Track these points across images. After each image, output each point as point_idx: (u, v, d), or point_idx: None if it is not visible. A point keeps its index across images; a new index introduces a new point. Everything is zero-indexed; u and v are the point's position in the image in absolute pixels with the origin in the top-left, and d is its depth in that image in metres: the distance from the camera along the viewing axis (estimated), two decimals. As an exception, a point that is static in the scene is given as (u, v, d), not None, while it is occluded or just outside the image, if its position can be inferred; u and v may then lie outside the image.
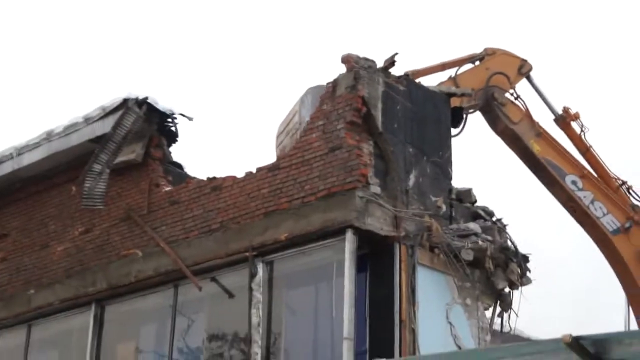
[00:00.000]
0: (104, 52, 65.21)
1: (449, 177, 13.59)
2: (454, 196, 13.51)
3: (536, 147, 14.88)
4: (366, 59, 13.14)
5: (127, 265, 14.53)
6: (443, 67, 14.80)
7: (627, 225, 14.70)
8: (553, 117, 15.44)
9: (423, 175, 13.15)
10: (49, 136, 15.92)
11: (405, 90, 13.37)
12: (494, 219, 13.59)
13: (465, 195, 13.72)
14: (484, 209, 13.69)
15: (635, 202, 15.08)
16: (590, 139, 15.33)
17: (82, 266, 15.29)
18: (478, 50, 15.15)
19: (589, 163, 15.19)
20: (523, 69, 15.27)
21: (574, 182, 14.84)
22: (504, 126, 14.85)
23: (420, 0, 61.23)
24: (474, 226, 13.21)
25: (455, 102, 14.21)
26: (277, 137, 14.58)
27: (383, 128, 12.81)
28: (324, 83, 13.63)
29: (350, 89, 12.82)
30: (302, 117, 13.79)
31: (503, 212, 13.88)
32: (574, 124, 15.36)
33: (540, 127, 15.06)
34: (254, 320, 12.80)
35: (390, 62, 13.41)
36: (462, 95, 14.34)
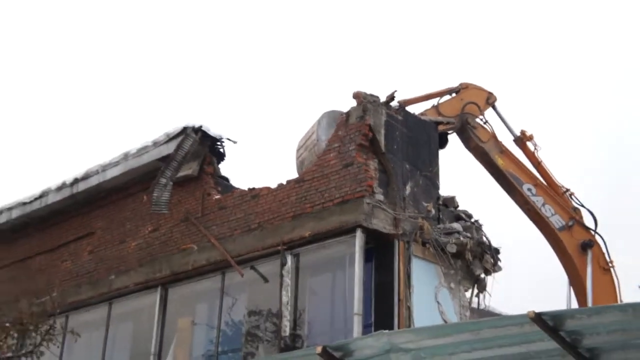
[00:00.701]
0: (165, 87, 65.93)
1: (437, 187, 13.42)
2: (441, 202, 13.35)
3: (500, 162, 14.59)
4: (372, 95, 12.99)
5: (186, 256, 14.35)
6: (428, 97, 14.51)
7: (570, 223, 14.43)
8: (512, 137, 15.11)
9: (416, 186, 12.96)
10: (125, 156, 15.85)
11: (402, 119, 13.22)
12: (472, 220, 13.47)
13: (450, 202, 13.57)
14: (465, 212, 13.53)
15: (576, 205, 14.77)
16: (541, 155, 15.08)
17: (151, 257, 15.13)
18: (455, 84, 14.84)
19: (540, 174, 14.91)
20: (490, 100, 14.97)
21: (529, 189, 14.56)
22: (475, 144, 14.55)
23: (412, 42, 62.28)
24: (456, 226, 13.06)
25: (440, 127, 14.08)
26: (297, 151, 14.27)
27: (385, 149, 12.63)
28: (336, 108, 13.59)
29: (360, 119, 12.70)
30: (318, 135, 13.57)
31: (479, 214, 13.73)
32: (529, 143, 15.07)
33: (503, 145, 14.79)
34: (284, 299, 12.59)
35: (390, 98, 13.25)
36: (447, 123, 14.22)
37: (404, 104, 13.65)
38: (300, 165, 13.94)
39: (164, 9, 69.86)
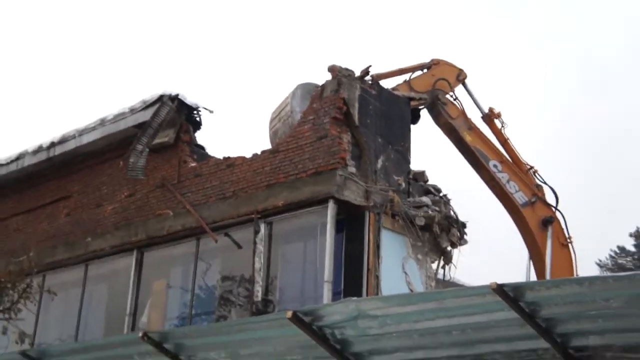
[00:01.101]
0: (143, 55, 65.32)
1: (408, 162, 13.48)
2: (411, 176, 13.37)
3: (468, 138, 14.59)
4: (347, 69, 13.00)
5: (161, 222, 14.36)
6: (401, 72, 14.40)
7: (532, 199, 14.48)
8: (481, 114, 15.04)
9: (388, 159, 13.01)
10: (102, 122, 15.78)
11: (376, 94, 13.25)
12: (440, 194, 13.52)
13: (420, 176, 13.60)
14: (434, 187, 13.58)
15: (539, 183, 14.81)
16: (508, 132, 15.08)
17: (127, 221, 15.12)
18: (427, 59, 14.75)
19: (506, 151, 14.89)
20: (460, 77, 14.93)
21: (495, 166, 14.55)
22: (445, 120, 14.53)
23: (387, 16, 61.94)
24: (425, 199, 13.12)
25: (412, 103, 14.07)
26: (271, 122, 14.29)
27: (359, 123, 12.63)
28: (310, 80, 13.64)
29: (334, 92, 12.69)
30: (293, 107, 13.59)
31: (448, 189, 13.82)
32: (496, 121, 15.03)
33: (472, 122, 14.77)
34: (257, 266, 12.63)
35: (365, 72, 13.31)
36: (419, 99, 14.17)
37: (377, 77, 13.62)
38: (273, 135, 13.96)
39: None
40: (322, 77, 13.02)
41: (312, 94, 13.09)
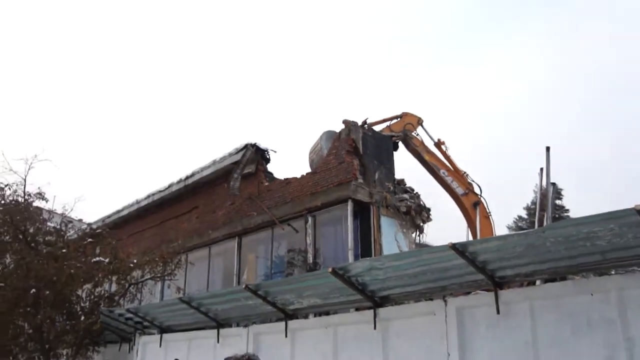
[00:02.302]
0: (232, 116, 65.62)
1: (393, 174, 13.20)
2: (396, 182, 13.15)
3: (426, 157, 14.41)
4: (353, 121, 12.86)
5: (250, 219, 14.23)
6: (384, 120, 14.30)
7: (466, 192, 14.24)
8: (433, 142, 14.81)
9: (381, 174, 12.78)
10: (214, 162, 15.69)
11: (372, 135, 13.09)
12: (414, 192, 13.28)
13: (401, 182, 13.32)
14: (410, 188, 13.33)
15: (470, 181, 14.48)
16: (450, 152, 14.81)
17: (231, 220, 14.98)
18: (399, 112, 14.67)
19: (450, 163, 14.62)
20: (419, 122, 14.72)
21: (443, 173, 14.36)
22: (412, 148, 14.39)
23: (375, 82, 61.54)
24: (405, 196, 12.94)
25: (393, 139, 13.99)
26: (309, 154, 14.10)
27: (363, 152, 12.50)
28: (330, 127, 13.47)
29: (347, 135, 12.59)
30: (322, 145, 13.40)
31: (418, 188, 13.55)
32: (442, 146, 14.77)
33: (428, 148, 14.58)
34: (308, 242, 12.53)
35: (364, 122, 13.23)
36: (397, 136, 14.10)
37: (370, 124, 13.57)
38: (311, 163, 13.86)
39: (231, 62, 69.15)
40: (338, 124, 13.04)
41: (333, 137, 12.97)
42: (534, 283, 7.15)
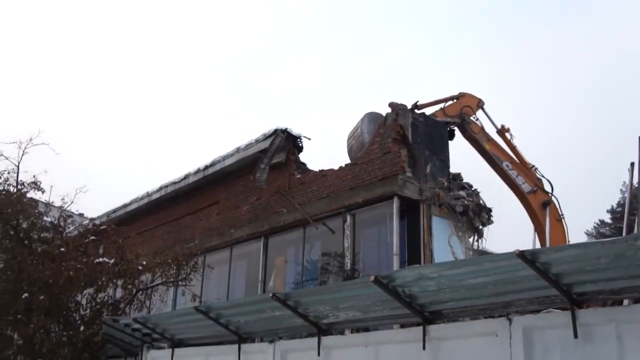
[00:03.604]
0: (264, 99, 66.64)
1: (448, 167, 13.10)
2: (451, 177, 13.03)
3: (487, 146, 14.23)
4: (401, 104, 12.80)
5: (279, 217, 14.34)
6: (437, 102, 14.10)
7: (534, 189, 14.07)
8: (495, 130, 14.61)
9: (434, 166, 12.71)
10: (237, 150, 15.83)
11: (423, 120, 12.98)
12: (472, 189, 13.17)
13: (457, 177, 13.24)
14: (467, 183, 13.24)
15: (539, 177, 14.32)
16: (515, 141, 14.64)
17: (256, 217, 15.12)
18: (455, 92, 14.42)
19: (515, 155, 14.44)
20: (480, 104, 14.51)
21: (507, 165, 14.18)
22: (470, 135, 14.19)
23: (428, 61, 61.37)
24: (462, 193, 12.82)
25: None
26: (348, 140, 14.05)
27: (412, 141, 12.42)
28: (374, 110, 13.42)
29: (394, 121, 12.54)
30: (362, 129, 13.38)
31: (478, 185, 13.42)
32: (507, 134, 14.58)
33: (489, 135, 14.40)
34: (346, 245, 12.56)
35: (414, 106, 13.17)
36: (453, 123, 13.91)
37: (421, 106, 13.42)
38: (350, 150, 13.80)
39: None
40: (384, 109, 12.93)
41: (377, 120, 12.87)
42: (621, 302, 6.96)
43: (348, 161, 13.40)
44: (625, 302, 6.87)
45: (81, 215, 19.98)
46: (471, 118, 14.19)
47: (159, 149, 63.45)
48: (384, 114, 12.86)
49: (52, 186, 14.72)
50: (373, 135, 12.81)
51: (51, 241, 13.60)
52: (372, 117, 13.27)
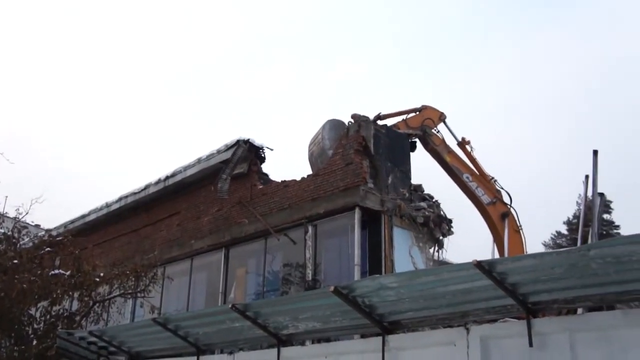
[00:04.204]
0: (223, 111, 65.98)
1: (409, 178, 13.15)
2: (412, 188, 13.06)
3: (448, 158, 14.32)
4: (364, 116, 12.83)
5: (240, 227, 14.23)
6: (400, 113, 14.18)
7: (494, 200, 14.18)
8: (456, 142, 14.73)
9: (395, 177, 12.74)
10: (199, 160, 15.73)
11: (385, 132, 13.01)
12: (433, 200, 13.20)
13: (418, 188, 13.25)
14: (428, 195, 13.25)
15: (498, 188, 14.43)
16: (475, 153, 14.76)
17: (217, 228, 15.00)
18: (418, 105, 14.54)
19: (475, 166, 14.57)
20: (442, 117, 14.63)
21: (467, 177, 14.27)
22: (431, 147, 14.28)
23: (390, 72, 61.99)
24: (423, 204, 12.85)
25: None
26: (309, 146, 14.09)
27: (374, 152, 12.43)
28: (335, 117, 13.51)
29: (356, 132, 12.55)
30: (323, 135, 13.41)
31: (438, 196, 13.47)
32: (467, 146, 14.72)
33: (450, 147, 14.49)
34: (307, 255, 12.52)
35: (376, 117, 13.22)
36: (415, 135, 14.00)
37: (384, 116, 13.48)
38: (310, 156, 13.78)
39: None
40: (347, 120, 12.94)
41: (337, 127, 12.91)
42: (575, 311, 7.08)
43: (309, 172, 13.41)
44: (579, 310, 7.00)
45: (37, 226, 19.44)
46: (432, 130, 14.30)
47: (124, 159, 62.35)
48: (346, 122, 12.89)
49: (6, 197, 14.43)
50: (335, 146, 12.83)
51: (4, 253, 13.25)
52: (333, 124, 13.29)
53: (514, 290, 6.24)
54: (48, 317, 12.96)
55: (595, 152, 10.16)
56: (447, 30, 66.79)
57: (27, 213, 14.25)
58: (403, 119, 14.08)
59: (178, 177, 16.24)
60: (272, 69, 70.32)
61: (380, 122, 13.17)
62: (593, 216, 10.16)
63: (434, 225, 12.61)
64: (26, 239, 14.70)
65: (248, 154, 14.55)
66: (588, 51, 57.97)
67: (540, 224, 37.90)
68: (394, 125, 13.70)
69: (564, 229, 31.14)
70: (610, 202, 27.68)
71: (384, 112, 13.56)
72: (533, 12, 62.92)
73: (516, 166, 48.67)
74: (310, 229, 12.51)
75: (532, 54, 60.74)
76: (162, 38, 68.48)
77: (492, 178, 14.48)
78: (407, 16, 67.73)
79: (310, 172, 13.63)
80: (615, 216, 28.77)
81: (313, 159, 13.47)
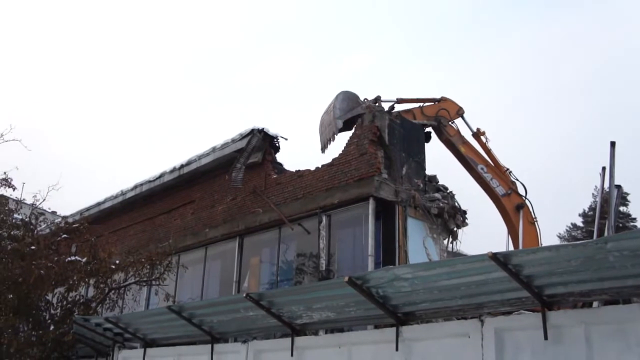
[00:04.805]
0: (240, 101, 66.04)
1: (424, 169, 13.12)
2: (426, 179, 13.04)
3: (462, 149, 14.22)
4: (379, 106, 12.81)
5: (255, 217, 14.25)
6: (418, 100, 14.09)
7: (508, 192, 14.08)
8: (471, 133, 14.61)
9: (410, 168, 12.71)
10: (214, 149, 15.71)
11: (399, 122, 12.95)
12: (447, 191, 13.18)
13: (432, 179, 13.25)
14: (442, 186, 13.24)
15: (513, 180, 14.33)
16: (491, 145, 14.67)
17: (232, 217, 15.00)
18: (437, 96, 14.44)
19: (490, 158, 14.46)
20: (459, 112, 14.53)
21: (482, 168, 14.17)
22: (445, 137, 14.19)
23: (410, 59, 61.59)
24: (437, 195, 12.82)
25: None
26: (322, 116, 13.97)
27: (388, 143, 12.40)
28: (348, 89, 13.50)
29: (370, 122, 12.50)
30: (334, 104, 13.32)
31: (453, 187, 13.45)
32: (482, 137, 14.62)
33: (464, 138, 14.39)
34: (321, 245, 12.45)
35: (391, 107, 13.11)
36: (430, 125, 13.92)
37: (402, 100, 13.45)
38: (320, 125, 13.77)
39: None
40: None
41: (350, 98, 12.97)
42: (590, 304, 7.02)
43: (325, 161, 13.41)
44: (595, 304, 6.95)
45: (54, 213, 19.65)
46: (447, 121, 14.21)
47: (136, 147, 62.81)
48: (360, 97, 12.92)
49: (24, 183, 14.53)
50: (350, 136, 12.81)
51: (21, 239, 13.38)
52: (346, 95, 13.25)
53: (529, 282, 6.21)
54: (64, 303, 13.10)
55: (612, 144, 10.06)
56: (457, 21, 66.26)
57: (44, 200, 14.38)
58: (420, 106, 14.01)
59: (193, 166, 16.27)
60: (283, 58, 70.30)
61: (397, 106, 13.13)
62: (610, 208, 10.08)
63: (448, 217, 12.59)
64: (43, 226, 14.86)
65: (262, 143, 14.56)
66: (609, 38, 57.13)
67: (556, 216, 37.66)
68: (410, 110, 13.62)
69: (579, 221, 30.92)
70: (627, 194, 27.44)
71: (402, 97, 13.53)
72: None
73: (531, 157, 48.29)
74: (324, 219, 12.50)
75: (549, 42, 60.08)
76: (177, 29, 68.57)
77: (507, 169, 14.39)
78: (417, 7, 67.22)
79: (319, 140, 13.63)
80: (632, 209, 28.53)
81: (322, 128, 13.44)
